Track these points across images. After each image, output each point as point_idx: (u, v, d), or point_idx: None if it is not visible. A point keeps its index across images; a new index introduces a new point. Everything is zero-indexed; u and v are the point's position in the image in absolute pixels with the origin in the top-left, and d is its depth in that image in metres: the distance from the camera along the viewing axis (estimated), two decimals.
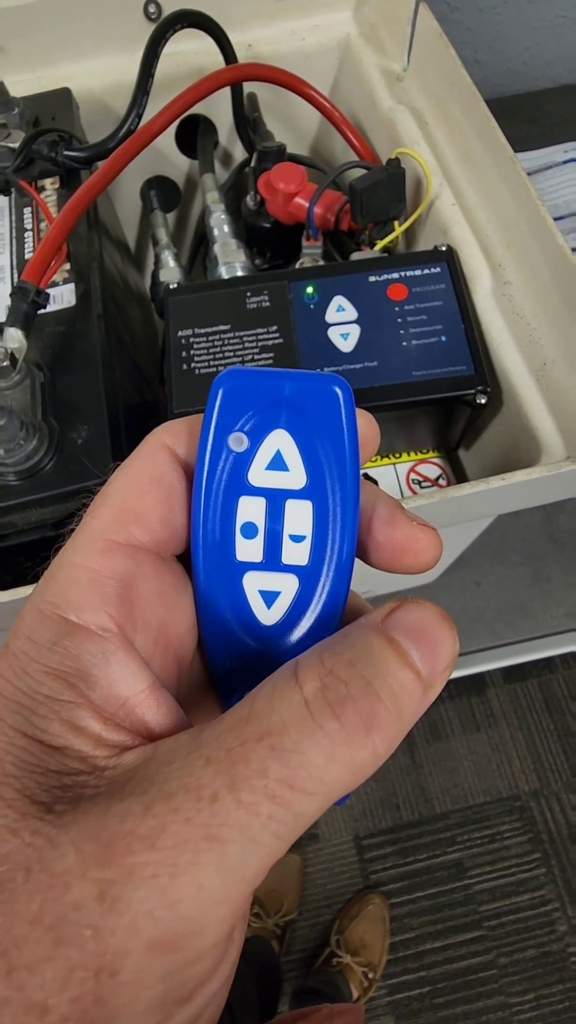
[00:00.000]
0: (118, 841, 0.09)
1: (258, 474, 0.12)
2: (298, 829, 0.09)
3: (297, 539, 0.12)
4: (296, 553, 0.12)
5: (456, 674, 1.06)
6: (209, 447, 0.12)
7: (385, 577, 0.40)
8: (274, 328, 0.27)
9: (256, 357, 0.27)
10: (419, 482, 0.31)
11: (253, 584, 0.12)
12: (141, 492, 0.12)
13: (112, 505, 0.12)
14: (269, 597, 0.12)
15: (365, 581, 0.40)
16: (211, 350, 0.27)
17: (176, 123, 0.41)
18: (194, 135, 0.41)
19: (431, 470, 0.31)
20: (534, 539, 0.45)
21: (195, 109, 0.38)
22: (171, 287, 0.29)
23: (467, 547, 0.42)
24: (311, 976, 0.96)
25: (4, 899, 0.08)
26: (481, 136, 0.28)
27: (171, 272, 0.38)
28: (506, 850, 1.06)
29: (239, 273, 0.34)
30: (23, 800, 0.09)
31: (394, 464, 0.31)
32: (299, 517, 0.12)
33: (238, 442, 0.12)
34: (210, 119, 0.40)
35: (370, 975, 0.95)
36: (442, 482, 0.31)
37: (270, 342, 0.27)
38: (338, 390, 0.12)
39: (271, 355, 0.27)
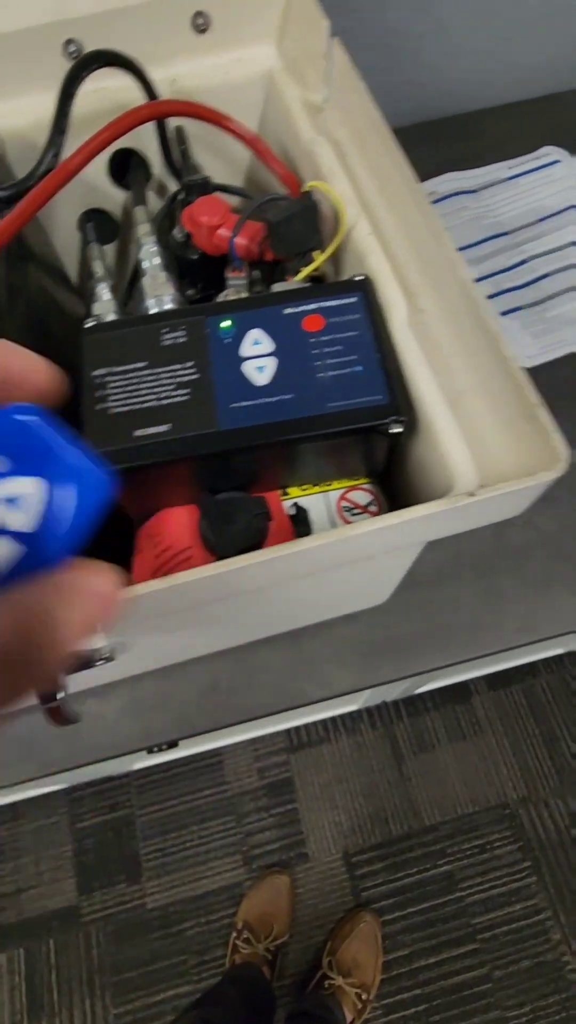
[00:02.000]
0: None
1: None
2: None
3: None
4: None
5: (440, 683, 1.06)
6: None
7: (333, 603, 0.40)
8: (190, 364, 0.27)
9: (172, 394, 0.27)
10: (350, 509, 0.31)
11: None
12: None
13: None
14: None
15: (313, 612, 0.39)
16: (127, 388, 0.27)
17: (107, 156, 0.41)
18: (127, 168, 0.41)
19: (362, 496, 0.31)
20: (486, 554, 0.45)
21: (126, 143, 0.39)
22: (86, 325, 0.29)
23: (419, 564, 0.42)
24: (304, 1000, 0.95)
25: None
26: (395, 169, 0.28)
27: (105, 305, 0.38)
28: (497, 860, 1.05)
29: (168, 306, 0.34)
30: None
31: (325, 492, 0.31)
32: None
33: None
34: (141, 153, 0.40)
35: (363, 996, 0.94)
36: (373, 508, 0.31)
37: (186, 378, 0.27)
38: (23, 418, 0.12)
39: (187, 391, 0.27)
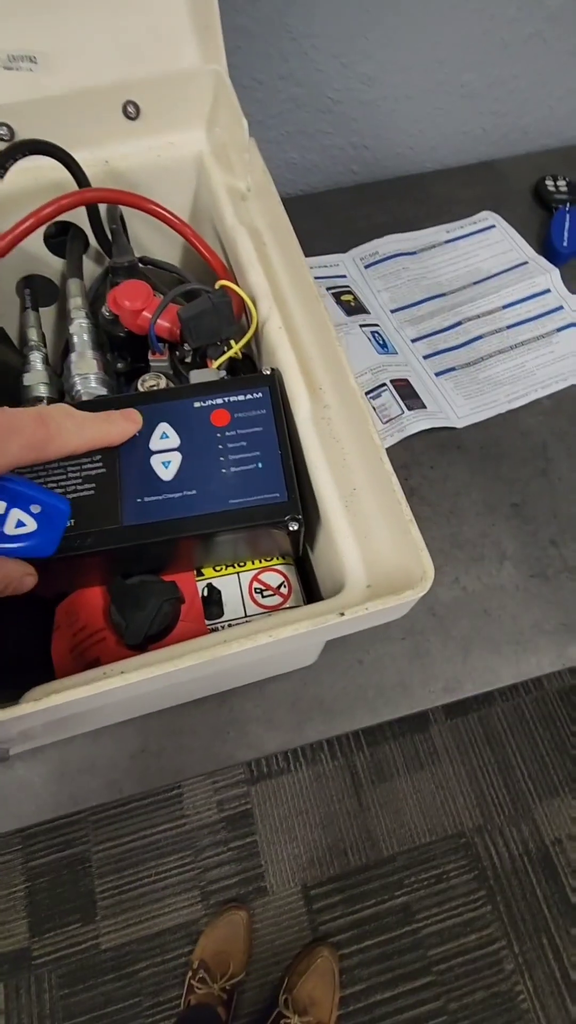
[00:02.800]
0: None
1: None
2: None
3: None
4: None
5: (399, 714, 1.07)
6: None
7: (261, 668, 0.41)
8: (98, 457, 0.28)
9: (79, 488, 0.27)
10: (261, 591, 0.32)
11: None
12: None
13: None
14: None
15: (243, 676, 0.40)
16: (35, 480, 0.27)
17: (45, 227, 0.42)
18: (65, 239, 0.42)
19: (274, 578, 0.32)
20: (413, 614, 0.46)
21: (64, 216, 0.40)
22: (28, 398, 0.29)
23: None
24: None
25: None
26: (299, 270, 0.30)
27: (36, 375, 0.38)
28: (452, 890, 1.06)
29: (92, 384, 0.35)
30: None
31: (238, 574, 0.32)
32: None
33: None
34: (78, 226, 0.42)
35: None
36: (283, 590, 0.32)
37: (93, 472, 0.28)
38: None
39: (93, 485, 0.27)
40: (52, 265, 0.44)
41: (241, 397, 0.29)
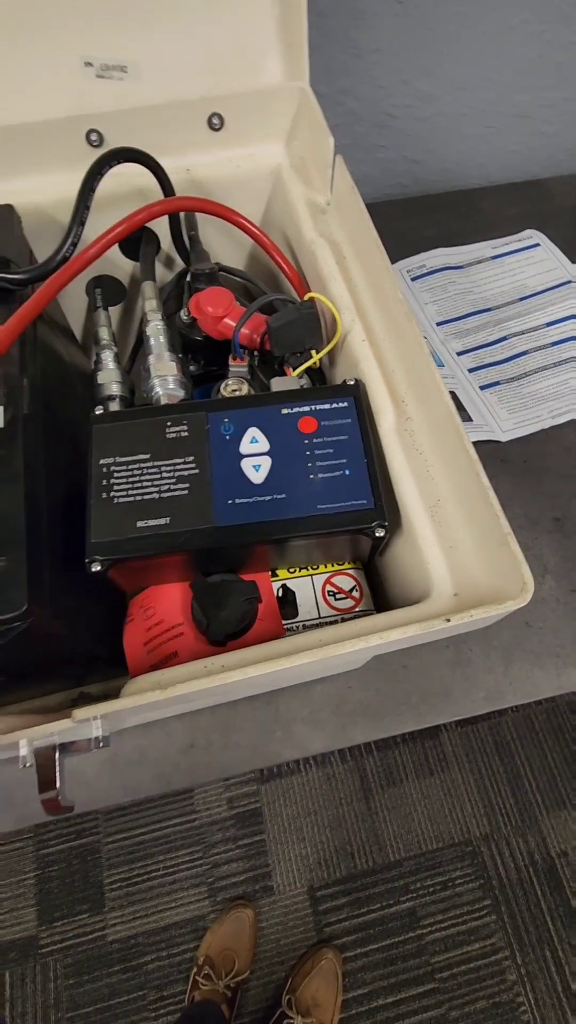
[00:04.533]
0: None
1: None
2: None
3: None
4: None
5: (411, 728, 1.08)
6: None
7: (316, 671, 0.42)
8: (191, 459, 0.29)
9: (172, 487, 0.28)
10: (334, 593, 0.33)
11: None
12: None
13: None
14: None
15: (300, 678, 0.41)
16: (130, 479, 0.29)
17: None
18: (138, 241, 0.43)
19: (346, 582, 0.33)
20: None
21: None
22: (96, 412, 0.30)
23: None
24: None
25: None
26: (388, 284, 0.31)
27: (109, 374, 0.39)
28: (458, 897, 1.06)
29: (170, 385, 0.36)
30: None
31: (311, 576, 0.33)
32: None
33: None
34: (152, 230, 0.43)
35: None
36: (355, 594, 0.33)
37: (186, 472, 0.29)
38: None
39: (187, 485, 0.28)
40: (121, 267, 0.45)
41: (327, 406, 0.30)
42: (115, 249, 0.45)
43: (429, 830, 1.11)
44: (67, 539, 0.29)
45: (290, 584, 0.33)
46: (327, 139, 0.35)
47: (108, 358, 0.40)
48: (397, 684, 0.45)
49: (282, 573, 0.33)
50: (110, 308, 0.47)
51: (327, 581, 0.33)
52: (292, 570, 0.33)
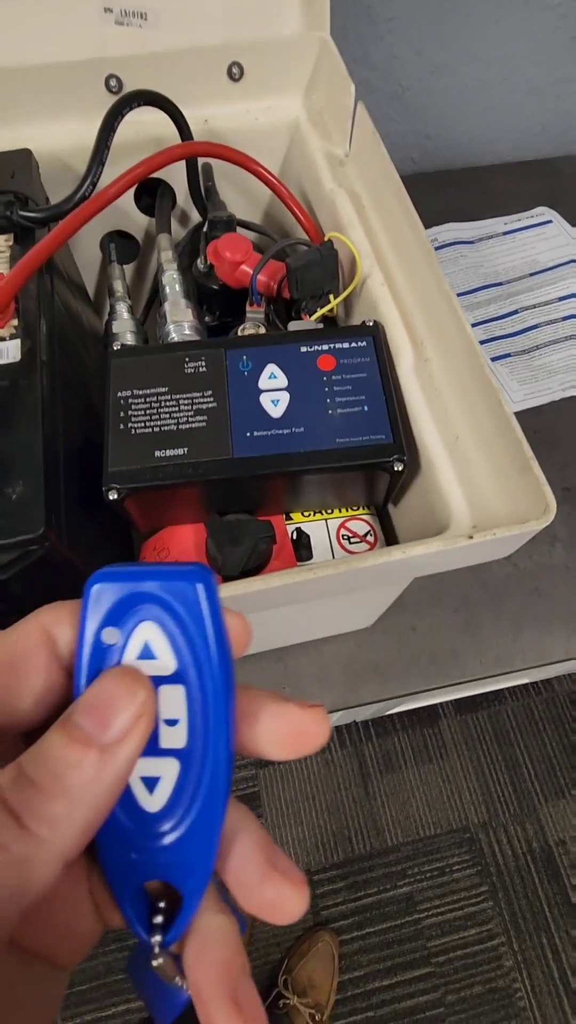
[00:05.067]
0: None
1: (129, 663, 0.13)
2: None
3: (172, 723, 0.13)
4: (173, 736, 0.13)
5: (409, 706, 1.08)
6: (86, 642, 0.13)
7: (321, 624, 0.42)
8: (209, 393, 0.29)
9: (191, 419, 0.28)
10: (348, 538, 0.33)
11: (134, 771, 0.12)
12: None
13: None
14: (151, 783, 0.13)
15: (302, 632, 0.41)
16: (148, 411, 0.28)
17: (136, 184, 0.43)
18: (153, 195, 0.43)
19: (360, 526, 0.33)
20: (467, 587, 0.47)
21: (156, 173, 0.40)
22: (114, 348, 0.30)
23: (405, 593, 0.45)
24: None
25: None
26: (409, 227, 0.31)
27: (124, 324, 0.39)
28: (455, 883, 1.06)
29: (186, 332, 0.36)
30: None
31: (326, 520, 0.33)
32: (172, 701, 0.13)
33: (111, 635, 0.13)
34: (168, 183, 0.42)
35: (318, 1017, 0.94)
36: (370, 538, 0.33)
37: (204, 406, 0.29)
38: (198, 586, 0.13)
39: (204, 417, 0.28)
40: (136, 221, 0.45)
41: (346, 345, 0.30)
42: (130, 205, 0.44)
43: (427, 816, 1.11)
44: (80, 480, 0.29)
45: (304, 528, 0.33)
46: (348, 87, 0.35)
47: (123, 309, 0.40)
48: (406, 645, 0.45)
49: (296, 517, 0.33)
50: (123, 267, 0.47)
51: (341, 525, 0.33)
52: (307, 514, 0.33)
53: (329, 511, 0.33)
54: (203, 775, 0.12)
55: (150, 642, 0.13)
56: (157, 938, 0.12)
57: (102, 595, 0.13)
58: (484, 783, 1.14)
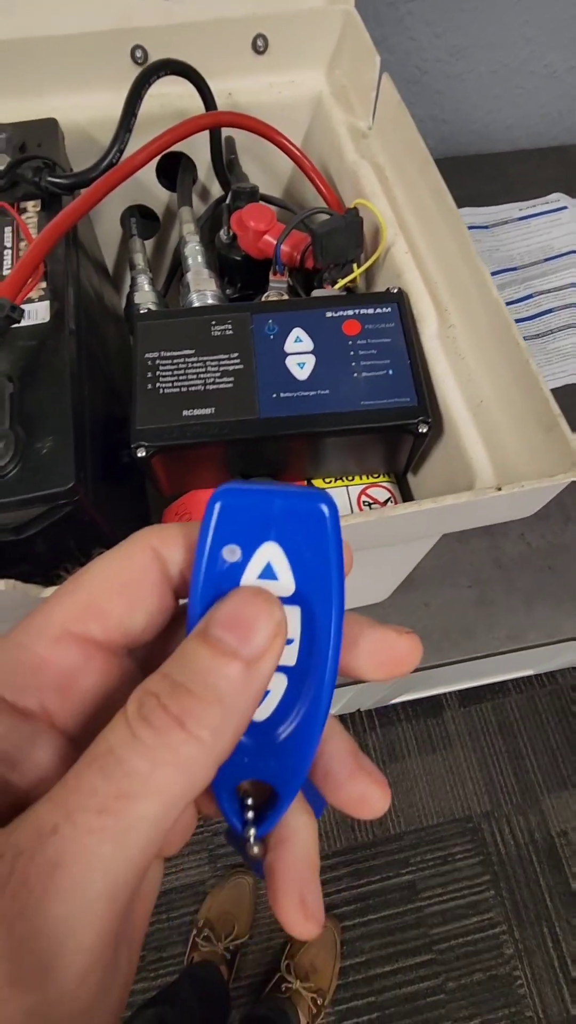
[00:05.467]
0: None
1: (250, 582, 0.13)
2: (141, 834, 0.10)
3: (286, 642, 0.13)
4: (285, 655, 0.13)
5: (414, 696, 1.08)
6: (206, 555, 0.13)
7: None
8: (235, 355, 0.29)
9: (218, 380, 0.29)
10: (369, 504, 0.33)
11: None
12: (110, 593, 0.13)
13: (79, 597, 0.13)
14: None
15: None
16: (175, 372, 0.29)
17: (157, 158, 0.43)
18: (175, 170, 0.43)
19: (380, 493, 0.33)
20: (480, 564, 0.48)
21: (177, 147, 0.41)
22: (141, 311, 0.30)
23: (418, 570, 0.45)
24: (260, 1003, 0.95)
25: None
26: (433, 197, 0.31)
27: (145, 295, 0.40)
28: (457, 872, 1.07)
29: (209, 301, 0.36)
30: None
31: (346, 486, 0.33)
32: (288, 621, 0.13)
33: (232, 553, 0.13)
34: (190, 157, 0.43)
35: (319, 1001, 0.94)
36: (390, 506, 0.33)
37: (231, 367, 0.29)
38: (324, 508, 0.13)
39: (231, 379, 0.29)
40: (157, 196, 0.46)
41: (371, 310, 0.30)
42: (152, 180, 0.45)
43: (430, 806, 1.12)
44: (103, 449, 0.30)
45: None
46: (373, 58, 0.35)
47: (144, 281, 0.41)
48: (418, 621, 0.45)
49: (317, 483, 0.33)
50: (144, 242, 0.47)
51: (362, 492, 0.33)
52: (328, 480, 0.33)
53: (350, 478, 0.33)
54: (308, 693, 0.13)
55: (272, 563, 0.13)
56: (252, 831, 0.13)
57: (227, 511, 0.13)
58: (487, 774, 1.15)
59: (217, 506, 0.13)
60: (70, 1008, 0.09)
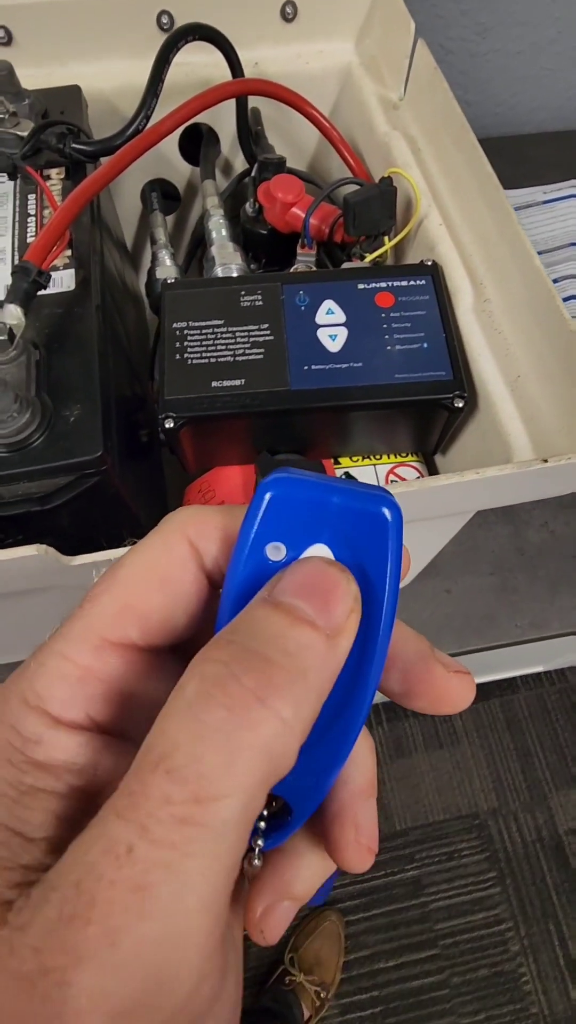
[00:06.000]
0: (62, 928, 0.08)
1: None
2: (228, 838, 0.09)
3: None
4: None
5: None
6: (247, 550, 0.11)
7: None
8: (265, 326, 0.28)
9: (247, 351, 0.28)
10: (396, 483, 0.32)
11: None
12: (148, 590, 0.11)
13: (115, 597, 0.11)
14: None
15: None
16: (204, 342, 0.28)
17: (181, 130, 0.42)
18: (197, 143, 0.42)
19: (409, 472, 0.32)
20: (503, 551, 0.47)
21: (200, 119, 0.40)
22: (168, 281, 0.30)
23: (439, 556, 0.44)
24: (263, 995, 0.94)
25: None
26: (469, 165, 0.30)
27: (167, 270, 0.39)
28: (463, 868, 1.06)
29: (235, 275, 0.35)
30: None
31: (374, 465, 0.32)
32: None
33: (276, 551, 0.11)
34: (214, 129, 0.42)
35: (322, 994, 0.94)
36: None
37: (261, 338, 0.28)
38: (387, 512, 0.11)
39: (261, 350, 0.28)
40: (179, 170, 0.45)
41: (404, 282, 0.30)
42: (173, 152, 0.44)
43: (437, 802, 1.11)
44: (126, 425, 0.29)
45: (353, 472, 0.32)
46: (408, 23, 0.34)
47: (165, 256, 0.40)
48: (439, 608, 0.44)
49: (344, 462, 0.32)
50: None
51: (391, 471, 0.32)
52: (355, 459, 0.32)
53: (377, 457, 0.33)
54: (343, 707, 0.11)
55: None
56: (260, 843, 0.12)
57: (277, 503, 0.11)
58: (495, 771, 1.14)
59: (267, 496, 0.11)
60: (190, 1016, 0.09)
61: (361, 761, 0.12)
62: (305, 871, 0.12)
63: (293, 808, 0.12)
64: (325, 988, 0.95)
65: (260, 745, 0.09)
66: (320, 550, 0.11)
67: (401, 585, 0.12)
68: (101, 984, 0.08)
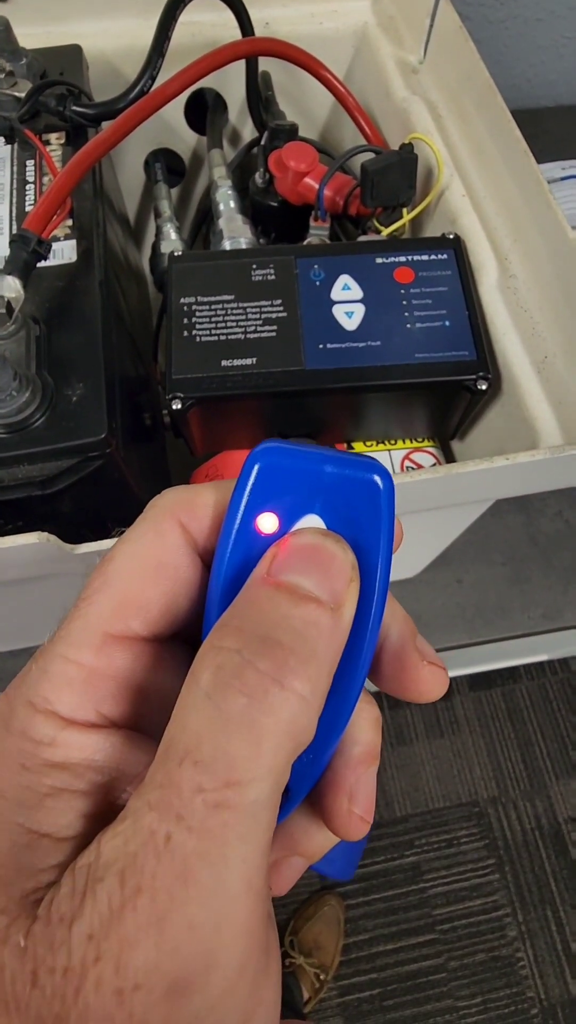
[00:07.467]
0: (112, 917, 0.08)
1: None
2: (262, 818, 0.09)
3: None
4: None
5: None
6: (237, 524, 0.11)
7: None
8: (278, 302, 0.27)
9: (259, 328, 0.26)
10: (413, 469, 0.31)
11: None
12: (144, 580, 0.11)
13: (112, 593, 0.11)
14: None
15: None
16: (213, 319, 0.26)
17: (186, 96, 0.40)
18: (203, 111, 0.40)
19: (425, 459, 0.31)
20: (515, 541, 0.45)
21: (206, 84, 0.38)
22: (175, 254, 0.28)
23: (451, 545, 0.43)
24: None
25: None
26: (495, 132, 0.28)
27: (172, 244, 0.37)
28: (462, 855, 1.07)
29: (243, 247, 0.34)
30: (17, 905, 0.09)
31: (389, 450, 0.31)
32: None
33: (268, 523, 0.11)
34: (221, 95, 0.40)
35: (322, 976, 0.95)
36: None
37: (273, 315, 0.27)
38: (379, 480, 0.11)
39: (274, 327, 0.26)
40: (184, 139, 0.43)
41: (425, 257, 0.28)
42: (178, 120, 0.42)
43: (437, 789, 1.11)
44: (129, 407, 0.27)
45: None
46: None
47: (170, 229, 0.38)
48: (451, 598, 0.43)
49: (358, 447, 0.31)
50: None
51: (406, 457, 0.31)
52: (369, 444, 0.31)
53: (392, 442, 0.31)
54: (338, 681, 0.11)
55: None
56: None
57: (267, 473, 0.11)
58: (495, 759, 1.14)
59: (256, 467, 0.11)
60: (231, 1004, 0.09)
61: (359, 731, 0.12)
62: (316, 835, 0.12)
63: (291, 786, 0.12)
64: (324, 971, 0.96)
65: (284, 726, 0.09)
66: (313, 520, 0.11)
67: (393, 553, 0.11)
68: (155, 964, 0.08)
